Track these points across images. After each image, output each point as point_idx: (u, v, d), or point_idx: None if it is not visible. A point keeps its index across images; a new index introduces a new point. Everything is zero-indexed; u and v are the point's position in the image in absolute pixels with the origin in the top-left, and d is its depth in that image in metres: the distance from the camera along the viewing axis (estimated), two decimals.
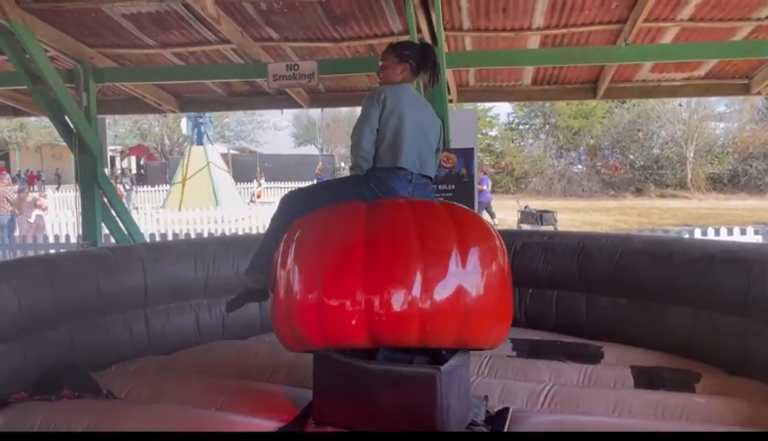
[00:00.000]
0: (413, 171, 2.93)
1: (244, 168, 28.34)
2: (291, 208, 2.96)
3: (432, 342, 2.57)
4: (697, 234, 8.01)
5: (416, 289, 2.45)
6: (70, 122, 6.01)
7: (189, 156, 19.16)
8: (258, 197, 21.59)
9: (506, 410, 2.89)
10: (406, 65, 3.02)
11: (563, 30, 5.81)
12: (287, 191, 3.38)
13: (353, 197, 2.81)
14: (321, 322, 2.50)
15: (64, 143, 6.38)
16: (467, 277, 2.52)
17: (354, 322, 2.46)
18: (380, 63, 3.09)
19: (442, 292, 2.49)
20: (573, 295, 4.22)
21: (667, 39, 5.97)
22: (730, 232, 8.09)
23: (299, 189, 3.16)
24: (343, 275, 2.48)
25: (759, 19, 5.53)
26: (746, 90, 7.15)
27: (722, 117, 30.10)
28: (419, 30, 5.28)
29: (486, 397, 3.03)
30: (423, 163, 2.99)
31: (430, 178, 3.07)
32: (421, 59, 3.04)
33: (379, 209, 2.65)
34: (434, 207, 2.71)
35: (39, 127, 32.46)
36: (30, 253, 8.52)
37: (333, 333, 2.52)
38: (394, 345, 2.61)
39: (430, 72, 3.09)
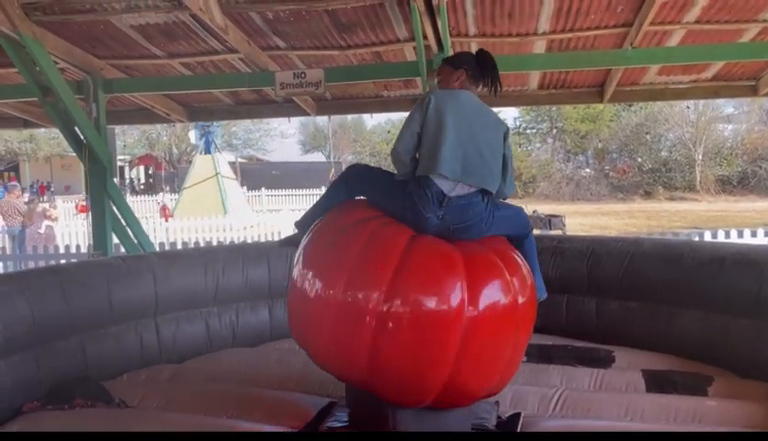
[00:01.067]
0: (453, 179, 2.64)
1: (252, 176, 28.45)
2: (353, 180, 2.91)
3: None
4: (707, 237, 7.97)
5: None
6: (80, 133, 6.06)
7: (198, 165, 19.29)
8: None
9: (518, 415, 2.89)
10: (461, 72, 2.85)
11: (569, 35, 5.81)
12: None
13: (391, 201, 2.75)
14: None
15: (74, 154, 6.44)
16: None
17: None
18: (437, 79, 2.98)
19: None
20: (583, 299, 4.21)
21: (673, 41, 5.96)
22: (741, 235, 8.04)
23: (369, 166, 3.03)
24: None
25: (765, 21, 5.51)
26: (754, 92, 7.11)
27: (730, 118, 29.96)
28: (425, 37, 5.30)
29: (497, 402, 3.02)
30: (468, 172, 2.65)
31: (484, 191, 2.71)
32: (476, 64, 2.87)
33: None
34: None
35: (49, 138, 32.71)
36: (41, 263, 8.58)
37: None
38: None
39: (490, 79, 2.89)
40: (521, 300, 2.53)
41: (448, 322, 2.38)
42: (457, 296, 2.38)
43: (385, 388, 2.50)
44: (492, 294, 2.46)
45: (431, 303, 2.38)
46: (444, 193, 2.63)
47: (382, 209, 2.74)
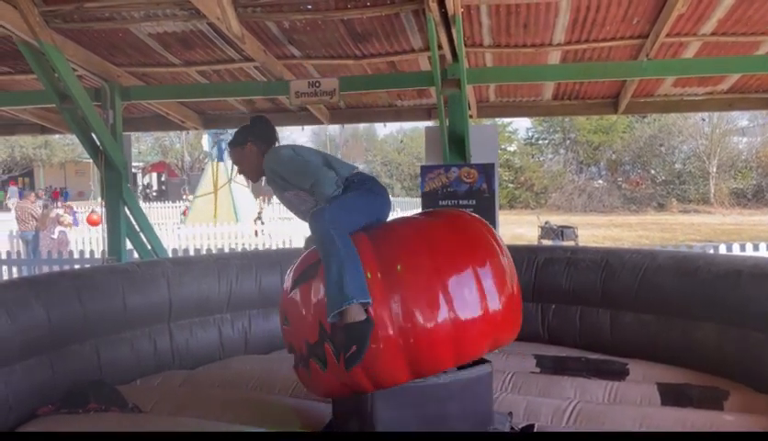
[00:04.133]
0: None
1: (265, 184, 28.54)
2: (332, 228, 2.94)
3: (467, 357, 2.60)
4: (722, 250, 7.91)
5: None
6: (96, 139, 6.13)
7: (210, 172, 19.39)
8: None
9: (531, 426, 2.87)
10: (249, 145, 3.12)
11: (584, 46, 5.81)
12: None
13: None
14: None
15: (88, 160, 6.52)
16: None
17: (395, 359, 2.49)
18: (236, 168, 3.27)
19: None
20: (597, 311, 4.19)
21: (689, 53, 5.94)
22: (756, 248, 7.97)
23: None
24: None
25: None
26: None
27: (745, 131, 29.75)
28: (440, 47, 5.32)
29: (510, 413, 3.01)
30: None
31: None
32: (257, 131, 3.15)
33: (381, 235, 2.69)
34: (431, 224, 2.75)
35: (63, 144, 33.03)
36: (55, 268, 8.65)
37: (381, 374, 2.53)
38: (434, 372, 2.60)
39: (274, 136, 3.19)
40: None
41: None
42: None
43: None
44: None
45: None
46: None
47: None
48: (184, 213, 20.07)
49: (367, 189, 2.84)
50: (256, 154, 3.07)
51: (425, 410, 2.61)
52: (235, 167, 3.24)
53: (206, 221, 15.53)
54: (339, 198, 2.75)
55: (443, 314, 2.47)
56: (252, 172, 3.14)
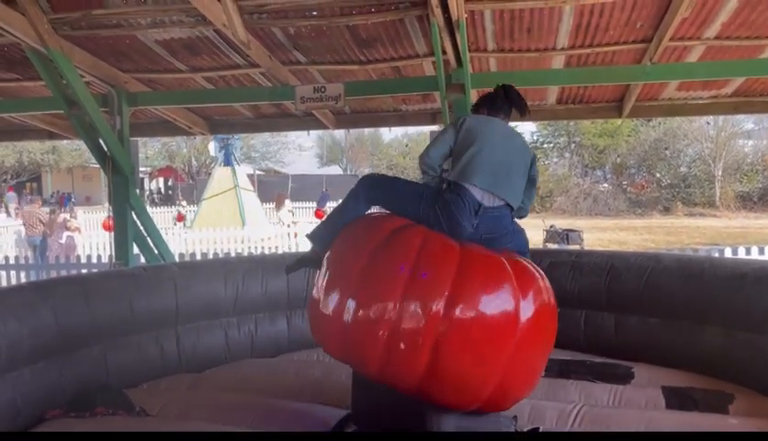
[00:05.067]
0: (485, 189, 2.79)
1: (270, 189, 28.62)
2: (367, 189, 2.97)
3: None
4: (728, 253, 7.89)
5: None
6: (104, 145, 6.17)
7: (218, 177, 19.47)
8: (180, 220, 20.01)
9: (536, 429, 2.88)
10: (482, 112, 3.15)
11: (588, 50, 5.82)
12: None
13: (419, 207, 2.80)
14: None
15: (95, 165, 6.57)
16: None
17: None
18: None
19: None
20: (602, 314, 4.19)
21: (693, 57, 5.94)
22: (762, 251, 7.96)
23: (386, 175, 3.18)
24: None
25: None
26: None
27: (750, 134, 29.66)
28: (444, 52, 5.34)
29: (515, 417, 3.01)
30: (498, 186, 2.83)
31: (510, 207, 2.88)
32: (492, 103, 3.14)
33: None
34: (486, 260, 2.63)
35: (71, 149, 33.21)
36: (63, 273, 8.70)
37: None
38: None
39: (515, 106, 3.15)
40: (551, 307, 2.67)
41: (507, 327, 2.47)
42: (511, 302, 2.48)
43: (441, 393, 2.53)
44: (536, 300, 2.57)
45: (492, 309, 2.47)
46: (479, 202, 2.77)
47: (406, 216, 2.78)
48: (177, 218, 19.83)
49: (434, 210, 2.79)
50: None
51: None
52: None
53: (213, 226, 15.57)
54: (410, 183, 2.95)
55: None
56: None
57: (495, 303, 2.47)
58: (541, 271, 2.75)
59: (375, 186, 2.96)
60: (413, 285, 2.45)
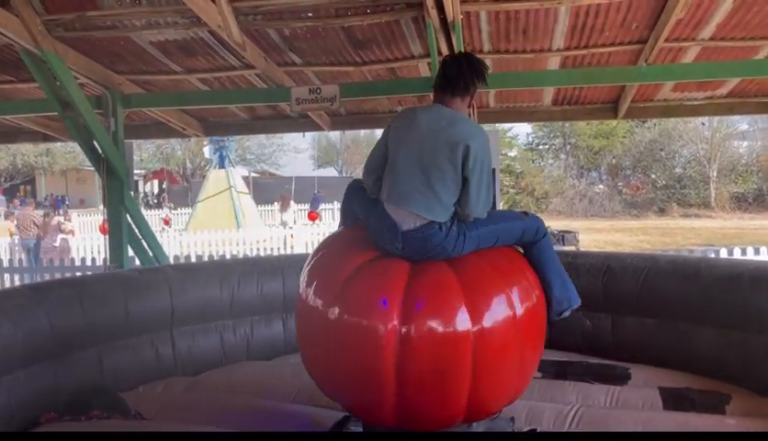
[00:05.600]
0: (402, 207, 2.56)
1: (265, 191, 28.58)
2: (349, 195, 2.91)
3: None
4: (723, 254, 7.91)
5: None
6: (98, 147, 6.15)
7: (212, 179, 19.44)
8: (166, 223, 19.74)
9: (533, 431, 2.88)
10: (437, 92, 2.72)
11: (583, 51, 5.83)
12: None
13: (371, 224, 2.72)
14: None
15: (89, 168, 6.55)
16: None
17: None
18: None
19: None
20: (598, 315, 4.18)
21: (688, 58, 5.96)
22: (757, 252, 7.98)
23: (358, 185, 2.91)
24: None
25: None
26: None
27: (745, 135, 29.76)
28: (440, 53, 5.34)
29: (512, 418, 3.01)
30: (415, 203, 2.53)
31: (438, 224, 2.54)
32: (440, 81, 2.69)
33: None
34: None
35: (65, 152, 33.12)
36: (57, 275, 8.66)
37: None
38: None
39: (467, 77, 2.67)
40: (521, 311, 2.53)
41: (458, 343, 2.41)
42: (460, 317, 2.41)
43: (418, 419, 2.52)
44: (494, 309, 2.47)
45: (439, 327, 2.40)
46: (396, 224, 2.55)
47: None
48: (165, 221, 19.64)
49: (370, 227, 2.74)
50: (468, 105, 2.73)
51: None
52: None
53: (208, 228, 15.53)
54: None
55: None
56: None
57: (440, 322, 2.40)
58: (521, 273, 2.66)
59: (352, 193, 2.89)
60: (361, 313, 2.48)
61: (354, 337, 2.45)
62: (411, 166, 2.55)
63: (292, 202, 20.87)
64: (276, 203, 21.00)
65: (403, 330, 2.39)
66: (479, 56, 5.92)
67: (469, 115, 2.78)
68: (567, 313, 2.79)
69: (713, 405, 3.20)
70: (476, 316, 2.43)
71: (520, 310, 2.53)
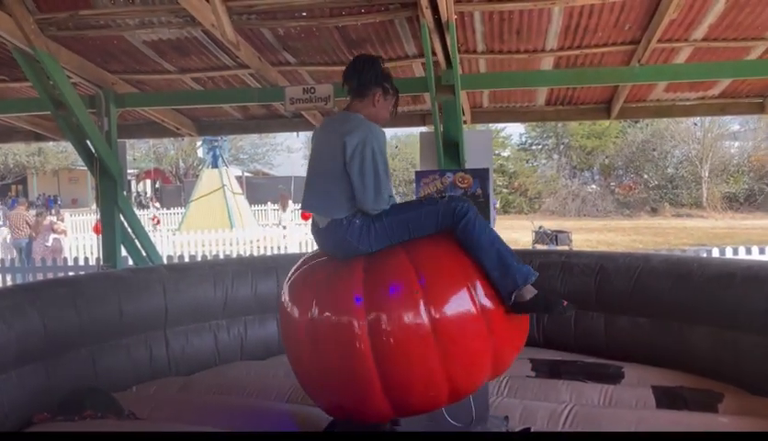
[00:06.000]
0: (310, 211, 2.84)
1: (259, 190, 28.52)
2: None
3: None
4: (715, 254, 7.95)
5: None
6: (91, 147, 6.12)
7: (205, 178, 19.39)
8: (156, 222, 19.59)
9: (527, 430, 2.89)
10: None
11: (577, 52, 5.85)
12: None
13: None
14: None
15: (82, 167, 6.52)
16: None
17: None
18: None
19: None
20: (592, 315, 4.21)
21: (681, 59, 5.99)
22: (749, 251, 8.02)
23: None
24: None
25: None
26: (761, 109, 7.13)
27: (737, 136, 29.89)
28: (434, 53, 5.34)
29: (506, 417, 3.02)
30: (312, 204, 2.81)
31: (340, 220, 2.67)
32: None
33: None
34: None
35: (57, 151, 32.91)
36: (50, 275, 8.62)
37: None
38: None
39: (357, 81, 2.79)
40: (425, 305, 2.50)
41: (415, 333, 2.47)
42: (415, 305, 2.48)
43: (408, 405, 2.55)
44: (450, 291, 2.54)
45: (400, 313, 2.47)
46: (317, 226, 2.80)
47: None
48: (153, 221, 19.51)
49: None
50: (384, 106, 2.81)
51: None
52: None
53: (201, 228, 15.49)
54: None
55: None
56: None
57: (401, 307, 2.46)
58: (437, 264, 2.61)
59: None
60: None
61: (334, 339, 2.54)
62: (311, 173, 2.83)
63: (290, 202, 20.83)
64: (278, 202, 20.93)
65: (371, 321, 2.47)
66: (473, 56, 5.98)
67: (381, 113, 2.82)
68: (525, 295, 2.55)
69: (705, 404, 3.23)
70: (432, 300, 2.47)
71: (423, 304, 2.49)
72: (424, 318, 2.45)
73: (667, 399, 3.29)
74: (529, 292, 2.59)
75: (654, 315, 3.93)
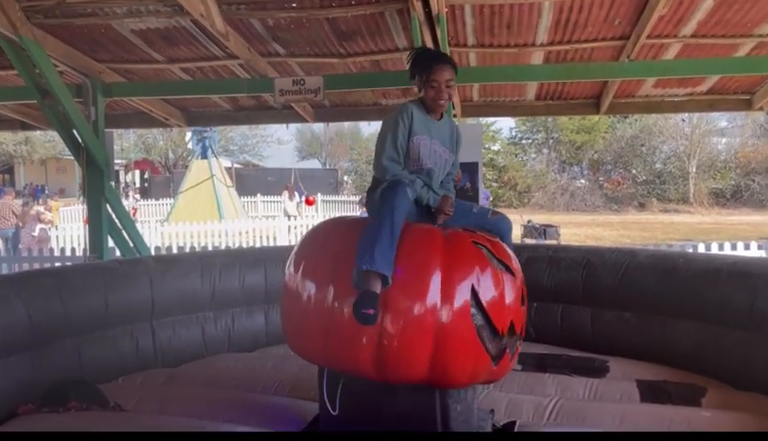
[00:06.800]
0: None
1: (249, 182, 28.40)
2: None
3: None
4: (701, 249, 8.02)
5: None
6: (78, 136, 6.06)
7: (194, 169, 19.29)
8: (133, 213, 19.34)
9: (512, 423, 2.90)
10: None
11: (567, 46, 5.86)
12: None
13: None
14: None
15: (69, 157, 6.46)
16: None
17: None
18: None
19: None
20: (578, 309, 4.25)
21: (669, 55, 6.02)
22: (734, 247, 8.09)
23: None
24: None
25: (761, 36, 5.57)
26: (748, 105, 7.19)
27: (724, 132, 30.14)
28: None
29: (492, 410, 3.03)
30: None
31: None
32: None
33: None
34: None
35: (44, 141, 32.58)
36: (36, 266, 8.55)
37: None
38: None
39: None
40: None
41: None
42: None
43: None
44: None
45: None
46: None
47: None
48: (133, 213, 19.25)
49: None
50: (421, 88, 2.90)
51: None
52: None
53: (190, 219, 15.41)
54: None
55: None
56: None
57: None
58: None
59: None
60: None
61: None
62: None
63: (296, 193, 20.83)
64: (284, 193, 20.87)
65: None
66: (463, 50, 5.97)
67: (425, 98, 2.86)
68: (367, 282, 2.42)
69: (689, 397, 3.26)
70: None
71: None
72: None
73: (651, 393, 3.32)
74: (371, 284, 2.42)
75: (640, 310, 3.96)
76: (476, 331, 2.45)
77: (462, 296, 2.43)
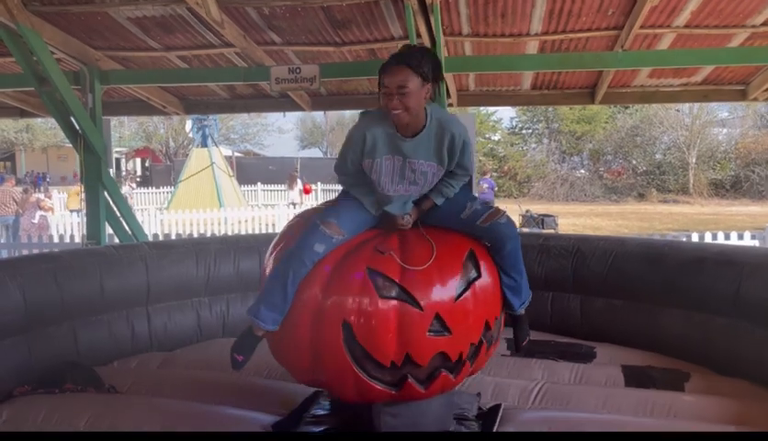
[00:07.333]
0: None
1: (249, 171, 28.44)
2: None
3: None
4: (694, 239, 8.06)
5: None
6: (76, 124, 6.10)
7: (195, 157, 19.33)
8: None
9: (498, 406, 2.96)
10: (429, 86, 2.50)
11: (561, 36, 5.88)
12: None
13: None
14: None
15: (70, 145, 6.47)
16: None
17: None
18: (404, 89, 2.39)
19: None
20: (568, 296, 4.29)
21: (663, 45, 6.04)
22: (728, 237, 8.14)
23: None
24: None
25: (754, 26, 5.59)
26: (743, 96, 7.21)
27: (724, 123, 30.11)
28: (418, 35, 5.36)
29: (479, 394, 3.10)
30: None
31: None
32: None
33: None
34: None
35: (45, 128, 32.64)
36: (35, 252, 8.61)
37: None
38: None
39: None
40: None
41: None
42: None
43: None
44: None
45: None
46: None
47: None
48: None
49: None
50: (424, 99, 2.46)
51: None
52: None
53: (190, 207, 15.47)
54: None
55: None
56: (410, 115, 2.43)
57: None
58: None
59: None
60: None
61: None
62: None
63: (299, 181, 20.90)
64: (295, 182, 20.96)
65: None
66: (458, 39, 5.99)
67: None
68: (253, 326, 2.59)
69: (672, 383, 3.31)
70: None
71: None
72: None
73: (635, 378, 3.37)
74: (255, 328, 2.58)
75: (628, 297, 4.01)
76: (352, 360, 2.45)
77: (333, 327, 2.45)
